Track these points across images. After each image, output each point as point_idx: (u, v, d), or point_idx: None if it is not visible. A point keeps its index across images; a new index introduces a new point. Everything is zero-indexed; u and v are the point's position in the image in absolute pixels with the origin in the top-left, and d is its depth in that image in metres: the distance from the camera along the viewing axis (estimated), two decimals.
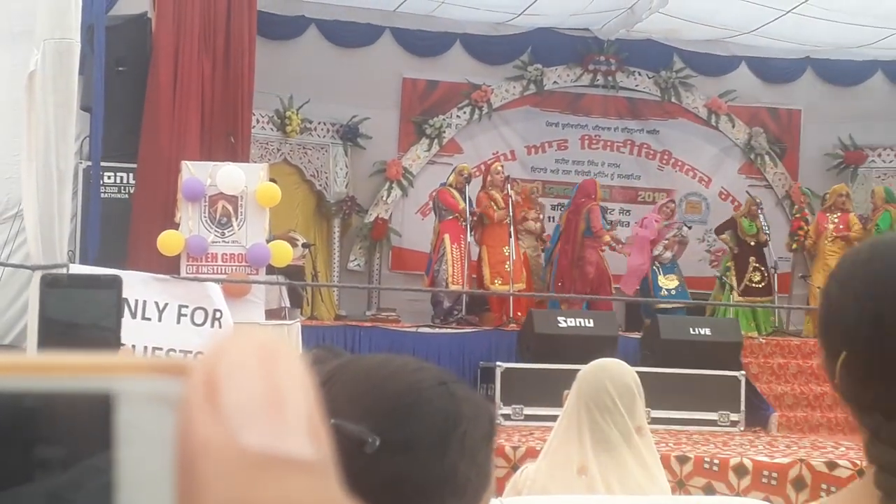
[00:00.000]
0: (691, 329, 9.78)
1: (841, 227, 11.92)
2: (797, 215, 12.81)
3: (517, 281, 11.00)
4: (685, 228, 12.20)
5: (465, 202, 11.15)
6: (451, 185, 11.37)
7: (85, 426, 0.37)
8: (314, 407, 0.37)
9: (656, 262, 11.90)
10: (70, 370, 0.38)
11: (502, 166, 11.82)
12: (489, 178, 11.49)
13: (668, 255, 11.94)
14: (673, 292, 11.73)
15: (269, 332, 0.38)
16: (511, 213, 11.02)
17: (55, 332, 1.20)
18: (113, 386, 0.37)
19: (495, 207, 11.19)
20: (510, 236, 10.89)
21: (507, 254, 11.05)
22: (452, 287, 10.99)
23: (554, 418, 2.99)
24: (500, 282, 11.13)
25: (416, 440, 1.08)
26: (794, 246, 11.92)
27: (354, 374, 1.12)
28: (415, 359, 1.23)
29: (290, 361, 0.37)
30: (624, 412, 2.69)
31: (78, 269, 6.21)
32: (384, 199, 13.00)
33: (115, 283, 1.23)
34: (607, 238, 11.68)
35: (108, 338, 1.19)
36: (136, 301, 6.48)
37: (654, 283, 11.82)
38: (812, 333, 11.49)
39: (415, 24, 13.01)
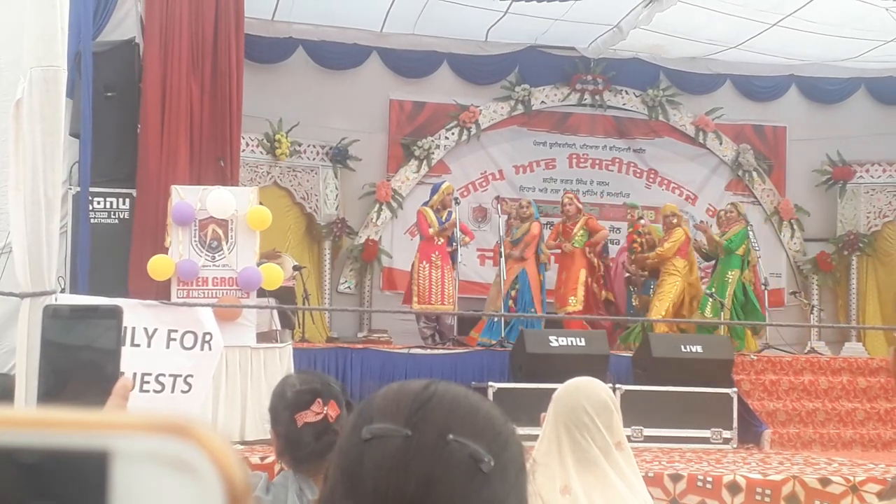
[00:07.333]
0: (683, 347, 9.77)
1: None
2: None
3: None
4: None
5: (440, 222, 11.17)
6: (431, 206, 11.37)
7: (81, 483, 0.37)
8: None
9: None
10: (68, 426, 0.37)
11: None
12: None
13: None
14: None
15: None
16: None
17: (57, 363, 1.21)
18: (110, 443, 0.37)
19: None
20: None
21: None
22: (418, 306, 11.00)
23: None
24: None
25: (509, 466, 1.12)
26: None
27: (454, 396, 1.15)
28: None
29: None
30: (602, 429, 2.70)
31: (67, 297, 6.18)
32: (374, 220, 13.00)
33: (117, 313, 1.24)
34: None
35: (109, 368, 1.20)
36: (125, 328, 6.46)
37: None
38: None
39: (401, 44, 13.03)
